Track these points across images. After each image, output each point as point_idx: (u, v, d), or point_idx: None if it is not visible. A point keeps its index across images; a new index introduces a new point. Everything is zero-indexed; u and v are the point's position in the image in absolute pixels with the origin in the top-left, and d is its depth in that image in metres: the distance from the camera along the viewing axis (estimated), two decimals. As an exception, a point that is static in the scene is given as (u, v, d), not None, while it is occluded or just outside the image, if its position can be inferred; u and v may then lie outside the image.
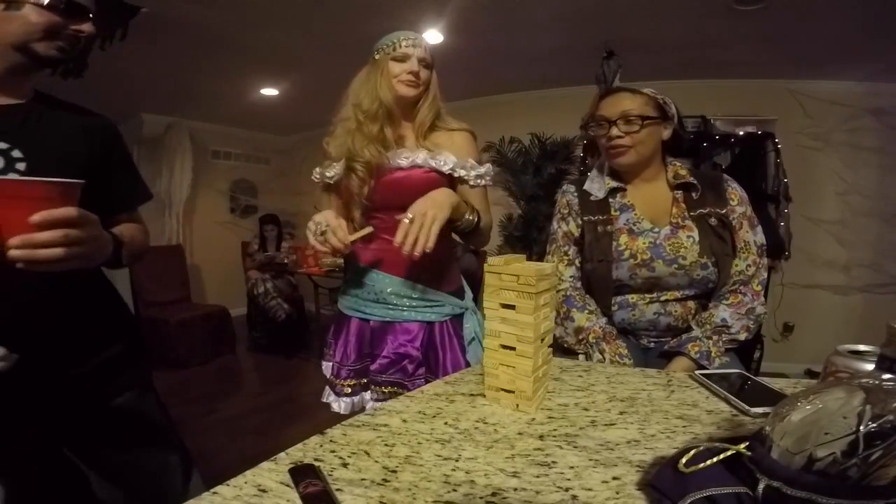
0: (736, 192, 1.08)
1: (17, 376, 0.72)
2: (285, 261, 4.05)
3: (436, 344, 1.10)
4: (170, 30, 2.50)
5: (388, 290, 1.10)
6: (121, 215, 0.95)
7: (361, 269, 1.12)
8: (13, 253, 0.61)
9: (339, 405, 1.13)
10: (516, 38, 2.72)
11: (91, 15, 0.81)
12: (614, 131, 1.04)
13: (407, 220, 0.89)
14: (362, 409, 1.10)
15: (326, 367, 1.21)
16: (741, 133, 2.86)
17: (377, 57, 1.07)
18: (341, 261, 3.05)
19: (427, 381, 1.01)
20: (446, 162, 1.08)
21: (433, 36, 2.66)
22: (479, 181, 1.10)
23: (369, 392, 1.11)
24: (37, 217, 0.60)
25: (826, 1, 2.16)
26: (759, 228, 1.08)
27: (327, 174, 1.13)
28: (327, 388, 1.18)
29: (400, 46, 1.05)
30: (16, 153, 0.75)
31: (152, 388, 0.97)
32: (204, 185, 4.81)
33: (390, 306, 1.10)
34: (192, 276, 4.24)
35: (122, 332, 0.94)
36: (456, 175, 1.09)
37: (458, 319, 1.14)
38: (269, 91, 3.69)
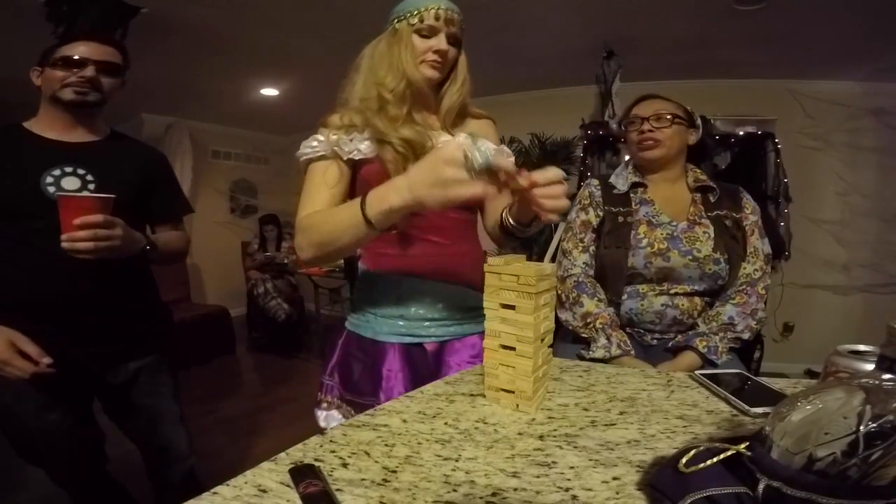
0: (750, 203, 1.16)
1: (69, 337, 1.05)
2: (285, 261, 4.05)
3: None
4: (170, 30, 2.50)
5: (445, 303, 0.89)
6: (165, 224, 1.30)
7: (398, 281, 0.89)
8: (64, 244, 0.91)
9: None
10: (516, 38, 2.72)
11: (92, 61, 1.06)
12: (646, 126, 1.13)
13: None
14: None
15: (332, 416, 0.91)
16: (741, 133, 2.86)
17: (398, 26, 0.87)
18: (341, 261, 3.05)
19: None
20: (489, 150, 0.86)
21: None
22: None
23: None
24: (77, 221, 0.91)
25: (826, 1, 2.16)
26: (767, 240, 1.15)
27: (346, 148, 0.83)
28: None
29: (427, 17, 0.84)
30: (89, 177, 1.08)
31: (169, 355, 1.27)
32: (204, 185, 4.81)
33: (448, 322, 0.89)
34: (192, 276, 4.24)
35: (154, 311, 1.28)
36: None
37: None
38: (269, 91, 3.69)
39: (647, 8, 2.33)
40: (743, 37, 2.58)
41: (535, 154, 3.60)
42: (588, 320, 1.09)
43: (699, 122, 1.18)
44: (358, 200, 0.70)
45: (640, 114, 1.15)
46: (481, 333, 0.87)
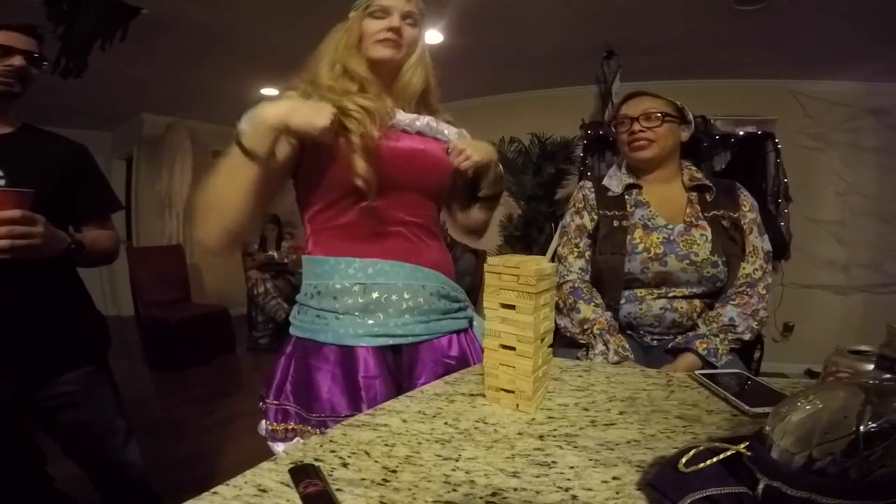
0: (748, 200, 1.13)
1: None
2: (285, 261, 4.05)
3: (467, 356, 0.85)
4: (169, 30, 2.50)
5: (425, 296, 0.80)
6: (91, 222, 1.16)
7: (363, 267, 0.78)
8: None
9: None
10: (516, 38, 2.72)
11: (19, 51, 0.98)
12: (636, 126, 1.11)
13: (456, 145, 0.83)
14: None
15: (278, 436, 0.78)
16: (741, 133, 2.86)
17: (350, 16, 0.86)
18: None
19: None
20: (454, 132, 0.88)
21: (433, 36, 2.66)
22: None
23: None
24: None
25: (826, 1, 2.16)
26: (766, 237, 1.12)
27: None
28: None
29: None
30: None
31: (107, 366, 1.18)
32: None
33: (423, 318, 0.80)
34: (192, 276, 4.24)
35: (85, 317, 1.14)
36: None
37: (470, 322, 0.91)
38: (269, 91, 3.68)
39: (647, 8, 2.33)
40: (743, 37, 2.58)
41: (535, 154, 3.60)
42: (585, 326, 1.07)
43: (691, 117, 1.15)
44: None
45: (629, 113, 1.13)
46: (454, 332, 0.84)
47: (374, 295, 0.77)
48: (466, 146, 0.84)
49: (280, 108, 0.69)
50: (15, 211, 0.84)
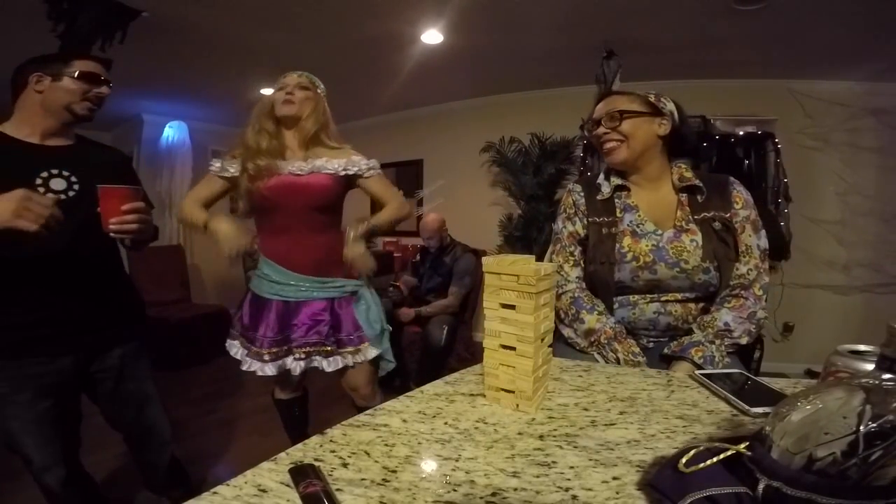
0: (741, 196, 1.08)
1: (58, 325, 1.13)
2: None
3: (338, 313, 1.38)
4: (169, 30, 2.50)
5: (300, 280, 1.35)
6: None
7: (273, 263, 1.37)
8: (113, 227, 1.02)
9: (267, 369, 1.34)
10: (516, 38, 2.72)
11: (104, 80, 1.20)
12: (600, 129, 1.10)
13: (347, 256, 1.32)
14: (286, 371, 1.37)
15: (234, 345, 1.43)
16: (741, 133, 2.86)
17: (264, 100, 1.42)
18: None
19: (338, 342, 1.36)
20: (336, 165, 1.35)
21: (433, 36, 2.66)
22: (371, 171, 1.41)
23: (290, 357, 1.35)
24: (125, 207, 1.03)
25: (826, 1, 2.16)
26: (763, 233, 1.07)
27: (229, 168, 1.37)
28: (247, 359, 1.37)
29: (281, 79, 1.41)
30: (73, 178, 1.16)
31: (146, 343, 1.37)
32: (204, 185, 4.81)
33: (303, 289, 1.36)
34: (192, 276, 4.24)
35: (132, 298, 1.37)
36: (351, 173, 1.37)
37: (353, 294, 1.42)
38: (269, 91, 3.68)
39: (647, 8, 2.33)
40: (743, 37, 2.58)
41: (535, 154, 3.60)
42: (592, 338, 1.05)
43: (669, 107, 1.09)
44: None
45: (595, 116, 1.11)
46: (326, 299, 1.37)
47: (280, 277, 1.39)
48: (347, 256, 1.33)
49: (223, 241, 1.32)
50: (140, 203, 1.06)
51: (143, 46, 2.57)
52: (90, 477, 1.36)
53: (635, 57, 2.76)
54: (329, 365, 1.36)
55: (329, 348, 1.35)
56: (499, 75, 3.41)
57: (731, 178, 1.12)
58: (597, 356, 1.06)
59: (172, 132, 4.41)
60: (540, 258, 0.69)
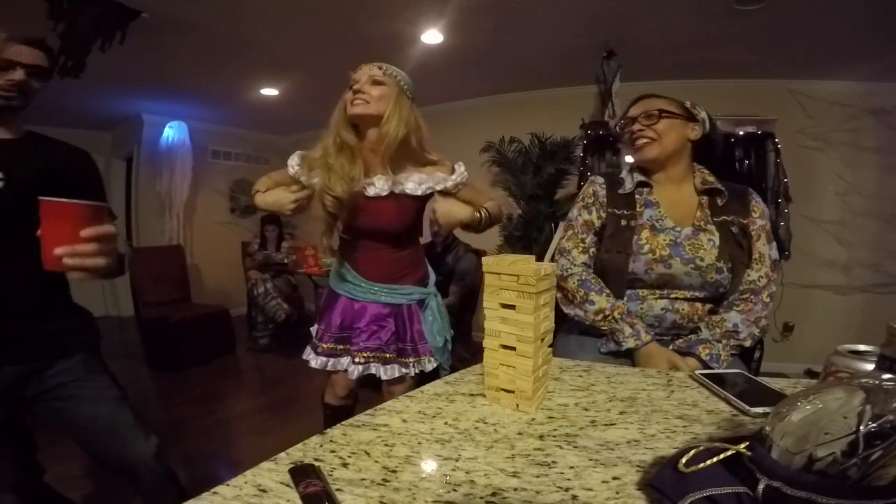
0: (759, 206, 1.13)
1: None
2: (285, 261, 4.05)
3: (404, 319, 1.33)
4: (169, 30, 2.50)
5: (371, 283, 1.31)
6: None
7: (348, 267, 1.34)
8: (67, 261, 0.74)
9: (316, 362, 1.31)
10: (516, 38, 2.72)
11: (21, 65, 0.99)
12: (636, 126, 1.13)
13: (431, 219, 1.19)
14: (335, 371, 1.33)
15: (314, 330, 1.41)
16: (741, 133, 2.86)
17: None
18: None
19: (398, 350, 1.30)
20: (417, 186, 1.24)
21: (433, 36, 2.66)
22: (460, 187, 1.28)
23: (348, 358, 1.30)
24: (86, 233, 0.75)
25: (826, 1, 2.16)
26: (775, 244, 1.12)
27: (303, 180, 1.23)
28: (308, 347, 1.36)
29: (353, 77, 1.17)
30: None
31: (99, 357, 1.16)
32: (204, 185, 4.81)
33: (372, 291, 1.32)
34: (192, 276, 4.24)
35: (72, 307, 1.16)
36: (438, 189, 1.26)
37: (421, 302, 1.36)
38: (269, 91, 3.68)
39: (647, 8, 2.33)
40: (743, 37, 2.58)
41: (535, 154, 3.61)
42: (606, 313, 1.07)
43: (702, 115, 1.14)
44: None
45: (631, 114, 1.15)
46: (392, 304, 1.31)
47: (351, 278, 1.35)
48: (440, 215, 1.18)
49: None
50: (111, 227, 0.79)
51: (143, 46, 2.57)
52: (61, 497, 1.23)
53: (635, 57, 2.76)
54: (386, 372, 1.28)
55: (388, 355, 1.28)
56: (499, 75, 3.41)
57: (750, 189, 1.17)
58: (601, 344, 1.09)
59: (172, 132, 4.42)
60: (540, 258, 0.69)
